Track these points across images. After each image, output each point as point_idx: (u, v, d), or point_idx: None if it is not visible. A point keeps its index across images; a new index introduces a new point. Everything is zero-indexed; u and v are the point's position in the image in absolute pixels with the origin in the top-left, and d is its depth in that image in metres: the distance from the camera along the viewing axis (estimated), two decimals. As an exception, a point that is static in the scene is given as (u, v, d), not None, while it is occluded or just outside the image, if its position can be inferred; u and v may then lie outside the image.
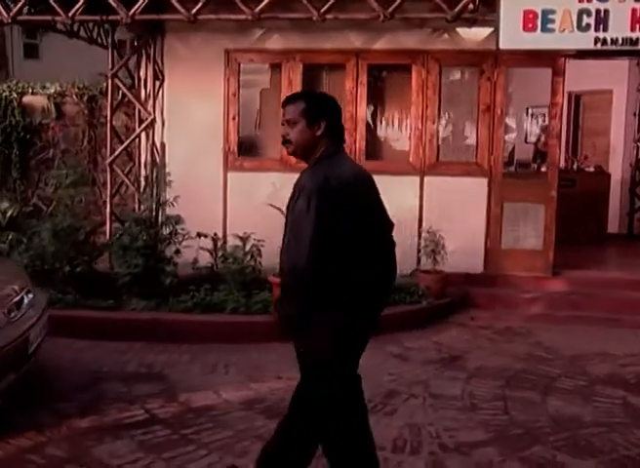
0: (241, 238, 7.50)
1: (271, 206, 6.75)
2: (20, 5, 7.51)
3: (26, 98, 9.67)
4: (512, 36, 6.97)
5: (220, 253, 7.73)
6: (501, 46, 7.03)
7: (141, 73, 8.82)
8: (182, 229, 7.47)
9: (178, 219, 7.44)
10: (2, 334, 4.50)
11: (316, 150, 3.30)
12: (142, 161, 8.91)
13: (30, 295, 5.16)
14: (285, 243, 3.19)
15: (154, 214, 7.52)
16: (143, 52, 8.64)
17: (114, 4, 7.37)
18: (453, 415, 5.05)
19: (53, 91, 9.67)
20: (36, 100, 9.69)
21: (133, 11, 7.40)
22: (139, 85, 8.87)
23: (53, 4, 7.42)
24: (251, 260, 7.44)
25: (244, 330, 6.69)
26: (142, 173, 8.93)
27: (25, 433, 4.56)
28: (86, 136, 9.71)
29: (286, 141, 3.35)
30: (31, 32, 22.95)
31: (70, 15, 7.48)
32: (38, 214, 9.71)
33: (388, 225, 3.52)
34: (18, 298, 4.95)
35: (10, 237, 8.01)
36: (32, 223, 8.12)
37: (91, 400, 5.17)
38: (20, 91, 9.65)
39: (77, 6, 7.43)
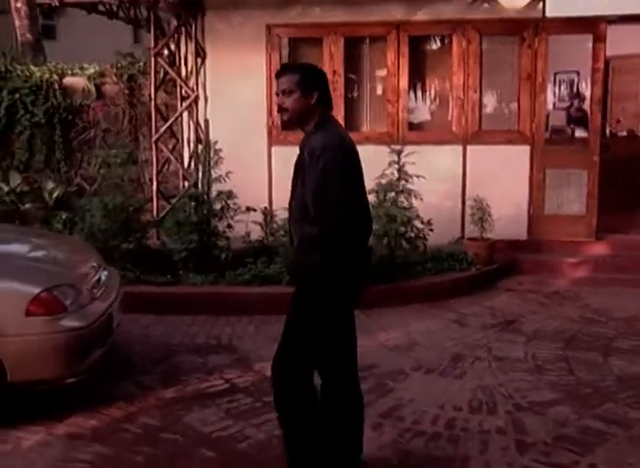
0: (291, 211, 7.61)
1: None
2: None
3: (67, 80, 9.76)
4: (558, 3, 7.02)
5: (270, 227, 7.86)
6: (548, 13, 7.09)
7: (182, 51, 8.90)
8: (234, 204, 7.60)
9: (229, 194, 7.57)
10: (89, 311, 4.67)
11: (311, 118, 3.53)
12: (185, 138, 9.03)
13: (105, 272, 5.33)
14: (314, 196, 3.38)
15: (206, 189, 7.64)
16: (183, 30, 8.72)
17: (161, -17, 7.45)
18: (520, 377, 5.21)
19: (92, 71, 9.76)
20: (76, 82, 9.79)
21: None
22: (179, 63, 8.96)
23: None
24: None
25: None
26: (186, 150, 9.06)
27: (115, 404, 4.75)
28: (126, 115, 9.81)
29: (282, 109, 3.58)
30: (48, 14, 23.03)
31: (113, -4, 7.57)
32: (82, 194, 9.86)
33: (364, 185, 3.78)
34: (97, 275, 5.11)
35: (64, 217, 8.17)
36: (82, 203, 8.26)
37: (169, 371, 5.36)
38: (60, 72, 9.75)
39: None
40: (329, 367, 3.70)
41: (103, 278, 5.18)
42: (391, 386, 5.06)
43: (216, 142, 7.70)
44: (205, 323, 6.56)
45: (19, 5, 12.08)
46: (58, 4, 7.67)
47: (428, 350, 5.81)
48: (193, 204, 7.48)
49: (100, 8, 8.74)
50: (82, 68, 9.94)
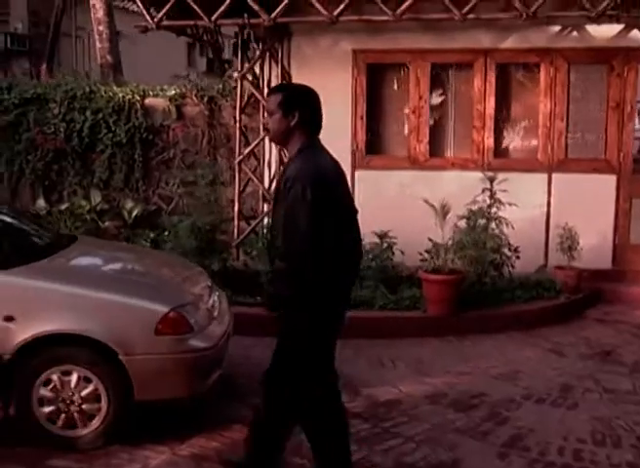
0: (379, 235, 7.63)
1: (426, 202, 6.92)
2: (164, 11, 7.74)
3: (148, 101, 9.90)
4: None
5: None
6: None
7: (266, 74, 8.99)
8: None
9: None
10: (212, 332, 4.71)
11: (292, 140, 3.55)
12: (267, 160, 9.10)
13: (217, 292, 5.36)
14: (283, 230, 3.39)
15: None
16: (268, 53, 8.82)
17: (256, 7, 7.55)
18: (635, 409, 5.14)
19: (173, 92, 9.89)
20: (157, 102, 9.92)
21: (274, 14, 7.58)
22: (263, 85, 9.05)
23: (196, 9, 7.62)
24: (388, 257, 7.59)
25: (395, 325, 6.83)
26: (266, 172, 9.13)
27: (233, 426, 4.75)
28: (205, 136, 9.91)
29: (266, 129, 3.76)
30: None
31: (213, 19, 7.69)
32: (159, 213, 9.97)
33: (355, 213, 3.73)
34: (212, 296, 5.15)
35: (151, 235, 8.26)
36: (173, 221, 8.32)
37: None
38: (141, 93, 9.89)
39: (220, 10, 7.62)
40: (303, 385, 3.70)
41: (216, 298, 5.22)
42: (506, 415, 5.01)
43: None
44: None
45: (101, 28, 12.34)
46: (155, 27, 7.79)
47: (533, 379, 5.75)
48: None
49: (188, 31, 8.87)
50: (163, 89, 10.07)
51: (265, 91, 8.98)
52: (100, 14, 12.29)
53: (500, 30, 8.18)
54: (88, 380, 4.32)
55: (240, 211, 8.93)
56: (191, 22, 7.96)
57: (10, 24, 22.52)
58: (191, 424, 4.74)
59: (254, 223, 8.85)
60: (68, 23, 20.43)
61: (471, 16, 7.33)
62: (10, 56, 21.96)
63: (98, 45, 12.47)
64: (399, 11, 7.39)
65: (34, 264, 4.57)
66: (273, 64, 8.88)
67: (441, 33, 8.25)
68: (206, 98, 9.85)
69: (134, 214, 9.58)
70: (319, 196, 3.35)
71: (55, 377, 4.31)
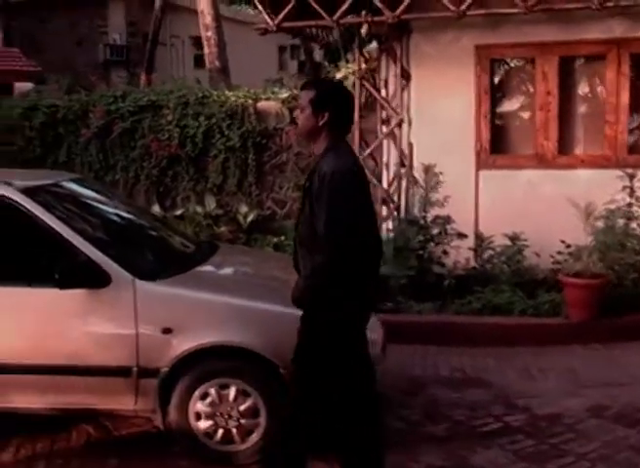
0: (510, 237, 7.32)
1: (570, 202, 6.61)
2: (284, 12, 7.60)
3: (260, 104, 9.81)
4: None
5: (487, 253, 7.54)
6: None
7: (382, 74, 8.77)
8: (452, 229, 7.36)
9: (447, 219, 7.34)
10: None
11: (320, 138, 3.49)
12: (385, 161, 8.87)
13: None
14: (324, 223, 3.29)
15: (422, 213, 7.46)
16: (385, 52, 8.59)
17: (379, 4, 7.33)
18: None
19: (286, 95, 9.77)
20: (270, 106, 9.82)
21: (399, 11, 7.34)
22: (380, 85, 8.83)
23: (318, 8, 7.45)
24: (520, 260, 7.27)
25: (537, 332, 6.51)
26: (384, 173, 8.90)
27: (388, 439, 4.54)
28: (319, 138, 9.74)
29: (296, 124, 3.51)
30: (200, 44, 23.91)
31: (335, 18, 7.50)
32: (273, 218, 9.87)
33: (375, 214, 3.75)
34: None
35: (274, 240, 8.16)
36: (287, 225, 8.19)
37: (429, 406, 5.13)
38: (254, 97, 9.81)
39: (342, 8, 7.44)
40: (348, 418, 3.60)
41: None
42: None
43: (434, 165, 7.52)
44: (439, 353, 6.30)
45: (209, 34, 12.36)
46: (275, 29, 7.66)
47: None
48: (414, 229, 7.27)
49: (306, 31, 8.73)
50: (274, 93, 9.97)
51: (383, 92, 8.79)
52: (208, 19, 12.31)
53: (634, 18, 7.72)
54: (246, 394, 4.17)
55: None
56: (312, 23, 7.80)
57: (109, 36, 23.07)
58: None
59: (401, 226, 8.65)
60: (163, 32, 20.75)
61: (609, 4, 6.92)
62: (109, 65, 22.53)
63: (206, 50, 12.49)
64: (530, 2, 7.04)
65: (186, 274, 4.45)
66: (391, 64, 8.65)
67: (569, 24, 7.83)
68: (319, 100, 9.67)
69: (249, 218, 9.50)
70: (356, 191, 3.39)
71: (212, 391, 4.18)
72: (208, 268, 4.72)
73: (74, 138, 10.08)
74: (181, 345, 4.10)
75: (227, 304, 4.20)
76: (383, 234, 8.58)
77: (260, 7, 7.71)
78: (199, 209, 9.56)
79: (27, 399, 4.32)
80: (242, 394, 4.17)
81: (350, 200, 3.32)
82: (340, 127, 3.54)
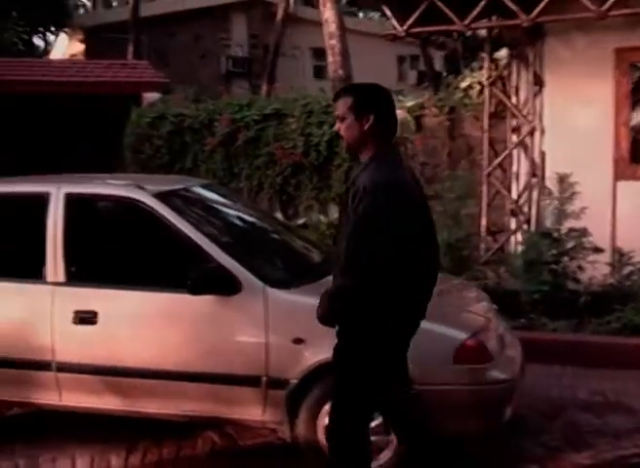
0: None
1: None
2: (414, 17, 7.42)
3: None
4: None
5: (626, 269, 7.08)
6: None
7: (513, 80, 8.44)
8: (589, 243, 6.95)
9: (584, 232, 6.94)
10: (508, 361, 4.24)
11: (367, 146, 3.21)
12: (514, 171, 8.53)
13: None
14: (348, 244, 3.07)
15: (557, 226, 7.08)
16: (516, 58, 8.26)
17: (514, 7, 7.03)
18: None
19: (412, 103, 9.55)
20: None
21: (534, 13, 7.02)
22: (510, 93, 8.49)
23: (449, 13, 7.22)
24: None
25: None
26: (514, 184, 8.55)
27: (525, 466, 4.25)
28: (445, 148, 9.48)
29: (340, 136, 3.33)
30: (320, 55, 24.14)
31: (466, 22, 7.26)
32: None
33: (434, 228, 3.44)
34: (499, 320, 4.67)
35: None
36: None
37: (569, 431, 4.77)
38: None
39: (474, 13, 7.18)
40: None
41: (503, 322, 4.74)
42: None
43: (569, 175, 7.14)
44: (576, 374, 5.91)
45: (333, 42, 12.32)
46: (404, 34, 7.49)
47: None
48: (547, 242, 6.91)
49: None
50: (400, 101, 9.76)
51: (514, 100, 8.46)
52: (333, 28, 12.26)
53: None
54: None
55: (487, 225, 8.41)
56: (442, 28, 7.59)
57: (231, 49, 23.48)
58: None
59: (502, 239, 8.33)
60: (284, 43, 20.96)
61: None
62: (230, 77, 22.91)
63: (329, 59, 12.45)
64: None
65: (318, 283, 4.29)
66: (522, 70, 8.31)
67: None
68: (446, 109, 9.42)
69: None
70: (394, 210, 3.06)
71: (343, 406, 4.00)
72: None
73: (200, 147, 10.21)
74: (313, 357, 3.95)
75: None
76: (511, 247, 8.28)
77: (388, 13, 7.54)
78: (322, 218, 9.46)
79: (156, 404, 4.29)
80: (374, 410, 3.97)
81: (381, 219, 3.02)
82: (386, 131, 3.27)
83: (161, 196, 4.41)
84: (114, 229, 4.52)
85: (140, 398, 4.28)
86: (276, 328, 4.01)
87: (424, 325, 3.88)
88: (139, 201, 4.33)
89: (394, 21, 7.51)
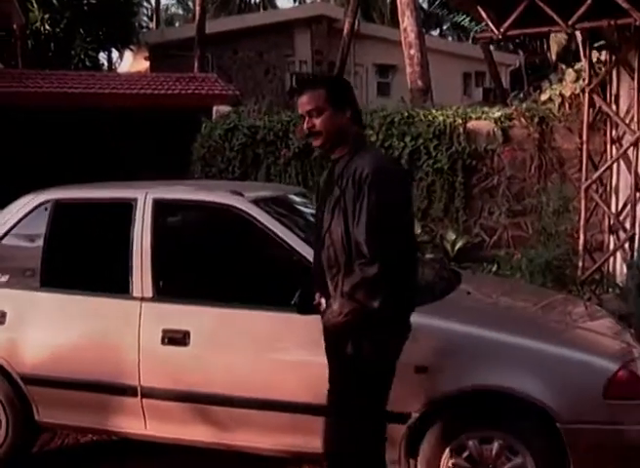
0: None
1: None
2: (511, 19, 6.90)
3: (471, 124, 9.12)
4: None
5: None
6: None
7: (614, 87, 7.85)
8: None
9: None
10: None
11: (347, 139, 3.10)
12: (614, 185, 7.92)
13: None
14: (372, 231, 2.92)
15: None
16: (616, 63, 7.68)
17: (626, 5, 6.45)
18: None
19: (499, 114, 9.01)
20: (481, 125, 9.11)
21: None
22: (610, 101, 7.91)
23: (550, 13, 6.68)
24: None
25: None
26: (613, 199, 7.94)
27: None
28: (535, 161, 8.90)
29: (313, 134, 3.10)
30: (384, 72, 23.85)
31: (570, 23, 6.70)
32: (481, 246, 9.10)
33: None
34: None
35: (493, 269, 7.40)
36: (528, 253, 7.33)
37: None
38: (463, 116, 9.14)
39: (579, 12, 6.63)
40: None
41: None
42: None
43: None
44: None
45: (412, 52, 11.86)
46: (500, 37, 6.97)
47: None
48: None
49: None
50: (485, 112, 9.24)
51: (614, 107, 7.87)
52: (412, 37, 11.80)
53: None
54: (513, 452, 3.42)
55: (585, 243, 7.79)
56: (544, 29, 7.04)
57: (295, 65, 23.25)
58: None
59: (602, 258, 7.71)
60: (348, 60, 20.60)
61: None
62: (294, 93, 22.60)
63: (408, 69, 11.98)
64: None
65: (438, 303, 3.78)
66: (623, 76, 7.72)
67: None
68: (536, 119, 8.85)
69: (457, 246, 8.78)
70: (403, 195, 3.13)
71: (471, 445, 3.46)
72: (460, 297, 4.03)
73: (273, 159, 9.81)
74: (438, 387, 3.42)
75: (495, 340, 3.47)
76: (611, 265, 7.66)
77: (483, 14, 7.04)
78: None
79: (253, 437, 3.80)
80: (508, 451, 3.42)
81: (399, 203, 3.03)
82: (360, 122, 3.23)
83: (261, 203, 3.93)
84: (208, 239, 4.06)
85: (236, 429, 3.80)
86: (395, 353, 3.49)
87: (572, 353, 3.35)
88: (236, 208, 3.86)
89: (490, 24, 6.98)
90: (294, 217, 4.16)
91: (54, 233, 4.25)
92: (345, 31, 18.66)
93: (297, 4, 34.11)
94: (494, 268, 8.12)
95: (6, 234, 4.36)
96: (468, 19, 11.28)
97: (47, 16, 18.82)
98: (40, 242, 4.27)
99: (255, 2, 32.60)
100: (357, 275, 2.95)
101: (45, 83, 12.04)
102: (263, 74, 22.65)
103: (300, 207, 4.48)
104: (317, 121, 3.10)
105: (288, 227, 3.82)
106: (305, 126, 3.13)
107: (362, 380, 3.08)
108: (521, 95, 12.15)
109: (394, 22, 27.62)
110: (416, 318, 3.53)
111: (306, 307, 3.45)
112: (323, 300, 3.23)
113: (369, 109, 9.67)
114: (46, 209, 4.29)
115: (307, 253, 3.63)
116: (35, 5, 18.56)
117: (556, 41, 12.46)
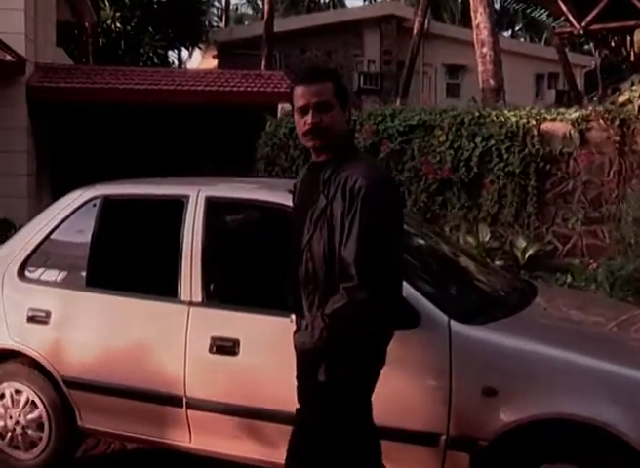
0: None
1: None
2: (594, 13, 6.47)
3: (545, 125, 8.66)
4: None
5: None
6: None
7: None
8: None
9: None
10: None
11: (342, 141, 2.79)
12: None
13: None
14: (364, 249, 2.60)
15: None
16: None
17: None
18: None
19: (576, 115, 8.54)
20: (556, 127, 8.64)
21: None
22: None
23: (637, 4, 6.22)
24: None
25: None
26: None
27: None
28: (614, 165, 8.40)
29: (318, 131, 2.71)
30: (454, 72, 23.43)
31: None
32: (553, 254, 8.64)
33: None
34: None
35: (568, 279, 6.98)
36: (611, 266, 6.89)
37: None
38: (537, 117, 8.69)
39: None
40: None
41: None
42: None
43: None
44: None
45: (484, 50, 11.42)
46: (582, 32, 6.54)
47: None
48: None
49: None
50: (560, 113, 8.77)
51: None
52: (484, 34, 11.35)
53: None
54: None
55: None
56: (631, 23, 6.59)
57: (364, 64, 23.00)
58: None
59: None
60: (417, 60, 20.22)
61: None
62: (360, 93, 22.39)
63: (480, 68, 11.54)
64: None
65: (512, 318, 3.42)
66: None
67: None
68: (617, 122, 8.34)
69: (528, 253, 8.34)
70: (400, 207, 2.86)
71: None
72: (536, 313, 3.66)
73: (338, 159, 9.50)
74: (510, 413, 3.05)
75: (576, 364, 3.08)
76: None
77: (564, 8, 6.62)
78: (471, 239, 8.55)
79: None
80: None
81: (397, 218, 2.74)
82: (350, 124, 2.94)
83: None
84: (263, 242, 3.78)
85: (285, 447, 3.50)
86: (462, 373, 3.14)
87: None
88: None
89: (571, 18, 6.57)
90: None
91: (101, 231, 4.05)
92: (415, 31, 18.31)
93: (366, 3, 33.81)
94: (567, 279, 7.67)
95: (53, 231, 4.18)
96: (546, 13, 10.70)
97: (118, 14, 19.03)
98: (87, 239, 4.07)
99: (324, 1, 32.41)
100: (342, 297, 2.65)
101: (112, 79, 12.00)
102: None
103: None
104: (325, 117, 2.74)
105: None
106: (311, 120, 2.75)
107: (334, 403, 2.81)
108: (595, 97, 11.62)
109: (465, 22, 27.15)
110: (487, 334, 3.20)
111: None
112: (294, 317, 2.97)
113: (438, 109, 9.31)
114: (94, 205, 4.09)
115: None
116: (107, 3, 18.72)
117: (640, 38, 11.84)
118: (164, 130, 11.16)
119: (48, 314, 3.98)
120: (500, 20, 27.68)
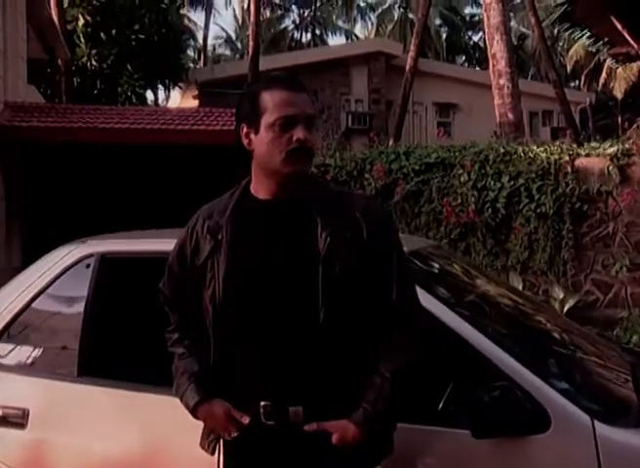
0: None
1: None
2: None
3: (579, 161, 7.82)
4: None
5: None
6: None
7: None
8: None
9: None
10: None
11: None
12: None
13: None
14: (402, 284, 2.10)
15: None
16: None
17: None
18: None
19: (614, 150, 7.70)
20: (592, 163, 7.79)
21: None
22: None
23: None
24: None
25: None
26: None
27: None
28: (661, 203, 7.56)
29: (304, 151, 2.05)
30: (445, 111, 22.93)
31: None
32: (593, 305, 7.74)
33: None
34: None
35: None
36: None
37: None
38: (571, 153, 7.85)
39: None
40: None
41: None
42: None
43: None
44: None
45: (501, 82, 10.62)
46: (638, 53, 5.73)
47: None
48: None
49: None
50: (595, 148, 7.95)
51: None
52: (502, 65, 10.56)
53: None
54: None
55: None
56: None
57: (351, 103, 22.36)
58: None
59: None
60: (409, 98, 19.59)
61: None
62: (350, 134, 21.72)
63: (497, 101, 10.72)
64: None
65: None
66: None
67: None
68: (663, 156, 7.53)
69: (567, 305, 7.41)
70: None
71: None
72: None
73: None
74: None
75: None
76: None
77: (618, 26, 5.82)
78: (499, 290, 7.61)
79: None
80: None
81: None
82: None
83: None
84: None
85: None
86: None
87: None
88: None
89: (628, 37, 5.75)
90: (446, 285, 2.89)
91: (98, 298, 3.04)
92: (408, 67, 17.66)
93: (349, 41, 33.36)
94: (614, 332, 6.77)
95: (36, 297, 3.15)
96: (587, 35, 9.96)
97: (94, 51, 18.15)
98: (80, 309, 3.06)
99: (306, 40, 31.89)
100: (399, 355, 2.07)
101: (90, 118, 11.07)
102: (318, 113, 21.73)
103: (445, 268, 3.20)
104: (308, 134, 2.07)
105: (442, 301, 2.55)
106: (303, 135, 2.04)
107: None
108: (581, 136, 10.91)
109: (450, 61, 26.56)
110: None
111: (483, 429, 2.19)
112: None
113: (456, 146, 8.45)
114: (88, 265, 3.08)
115: (480, 342, 2.36)
116: (82, 40, 17.87)
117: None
118: (149, 172, 10.21)
119: (25, 414, 2.94)
120: (485, 59, 27.29)
